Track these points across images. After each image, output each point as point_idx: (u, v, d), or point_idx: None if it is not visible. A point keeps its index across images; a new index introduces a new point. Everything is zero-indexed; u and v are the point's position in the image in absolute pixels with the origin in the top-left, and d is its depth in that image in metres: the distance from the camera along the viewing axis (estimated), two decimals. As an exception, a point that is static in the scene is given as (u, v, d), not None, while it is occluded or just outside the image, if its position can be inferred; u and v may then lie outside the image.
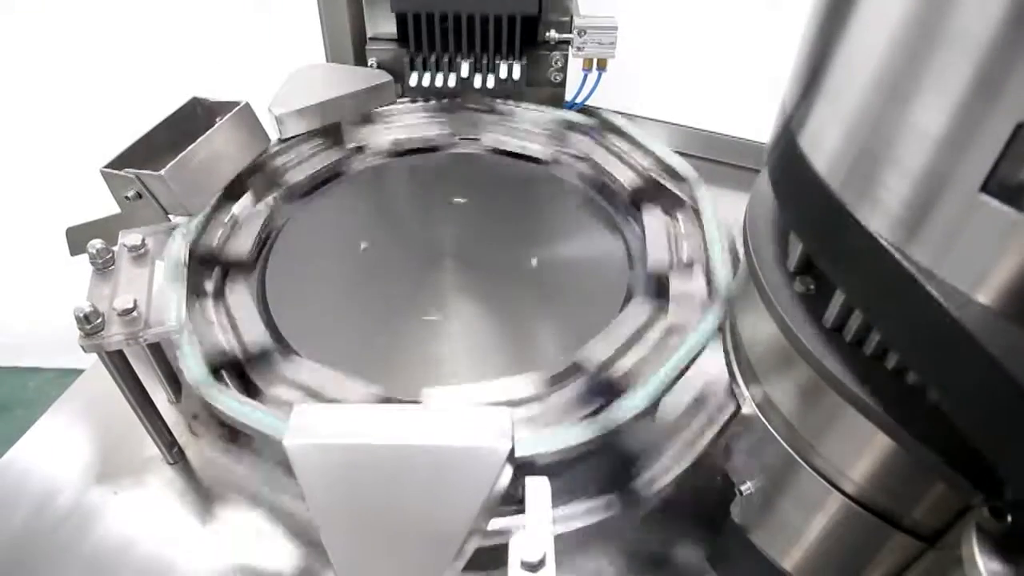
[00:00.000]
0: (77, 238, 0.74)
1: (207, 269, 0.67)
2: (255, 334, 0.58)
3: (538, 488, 0.46)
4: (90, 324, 0.56)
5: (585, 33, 0.93)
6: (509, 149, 0.89)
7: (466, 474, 0.43)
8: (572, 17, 0.95)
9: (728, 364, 0.53)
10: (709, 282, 0.70)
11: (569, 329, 0.65)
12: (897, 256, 0.32)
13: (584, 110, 0.97)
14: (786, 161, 0.41)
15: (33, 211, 1.39)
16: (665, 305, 0.65)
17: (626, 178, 0.83)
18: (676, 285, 0.68)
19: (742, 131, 1.10)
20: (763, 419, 0.47)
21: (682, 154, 0.80)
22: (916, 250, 0.32)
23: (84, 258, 0.62)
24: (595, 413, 0.58)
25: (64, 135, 1.35)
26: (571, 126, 0.89)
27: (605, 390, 0.61)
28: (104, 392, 0.68)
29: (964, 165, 0.28)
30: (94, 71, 1.36)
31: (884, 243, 0.33)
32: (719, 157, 1.11)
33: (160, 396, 0.72)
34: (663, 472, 0.53)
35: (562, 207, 0.85)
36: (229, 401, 0.57)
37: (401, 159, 0.92)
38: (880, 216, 0.33)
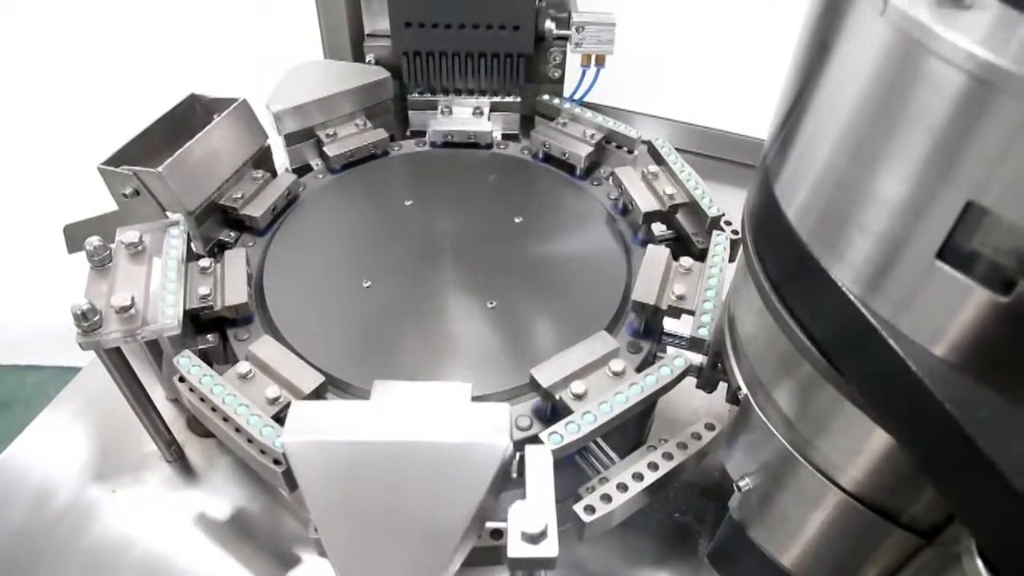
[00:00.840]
0: (75, 235, 0.74)
1: (206, 329, 0.67)
2: (303, 376, 0.57)
3: (539, 457, 0.45)
4: (88, 321, 0.56)
5: (583, 29, 0.93)
6: (551, 154, 0.88)
7: (464, 470, 0.43)
8: (570, 13, 0.95)
9: (727, 360, 0.53)
10: (700, 212, 0.72)
11: (565, 330, 0.64)
12: (859, 307, 0.34)
13: (587, 106, 0.97)
14: (762, 204, 0.43)
15: (31, 208, 1.39)
16: (643, 339, 0.65)
17: (579, 148, 0.85)
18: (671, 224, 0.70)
19: (740, 127, 1.10)
20: (761, 415, 0.47)
21: (680, 150, 0.80)
22: (878, 303, 0.34)
23: (82, 255, 0.62)
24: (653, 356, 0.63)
25: (62, 132, 1.35)
26: (611, 138, 0.88)
27: (659, 329, 0.64)
28: (102, 389, 0.68)
29: (921, 233, 0.30)
30: (92, 68, 1.35)
31: (848, 294, 0.35)
32: (717, 153, 1.11)
33: (158, 393, 0.72)
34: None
35: (530, 186, 0.86)
36: (184, 360, 0.58)
37: (441, 151, 0.92)
38: (845, 269, 0.35)
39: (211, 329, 0.67)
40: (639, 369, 0.59)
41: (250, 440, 0.53)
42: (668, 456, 0.54)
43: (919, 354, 0.32)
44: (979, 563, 0.33)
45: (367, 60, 0.99)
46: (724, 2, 1.12)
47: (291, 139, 0.87)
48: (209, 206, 0.73)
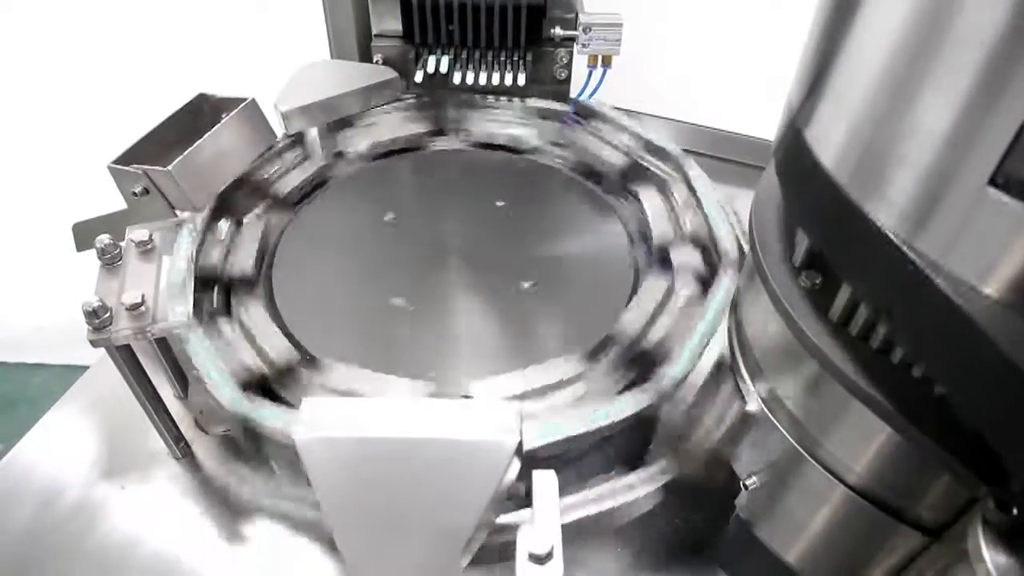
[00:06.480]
0: (84, 234, 0.74)
1: (208, 289, 0.67)
2: (279, 348, 0.58)
3: (545, 481, 0.46)
4: (98, 319, 0.57)
5: (590, 30, 0.93)
6: (492, 142, 0.89)
7: (474, 468, 0.43)
8: (577, 14, 0.95)
9: (733, 359, 0.53)
10: (716, 250, 0.73)
11: (582, 318, 0.65)
12: (905, 249, 0.32)
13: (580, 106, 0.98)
14: (793, 155, 0.41)
15: (40, 207, 1.39)
16: (676, 276, 0.66)
17: (615, 159, 0.86)
18: (683, 257, 0.72)
19: (747, 128, 1.10)
20: (768, 413, 0.47)
21: (688, 151, 0.80)
22: (924, 243, 0.32)
23: (89, 254, 0.63)
24: (632, 385, 0.62)
25: (71, 131, 1.36)
26: (545, 114, 0.89)
27: (639, 361, 0.64)
28: (110, 388, 0.69)
29: (971, 161, 0.29)
30: (101, 67, 1.36)
31: (892, 237, 0.33)
32: (725, 154, 1.11)
33: (167, 391, 0.72)
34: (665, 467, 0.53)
35: (556, 197, 0.86)
36: (273, 417, 0.58)
37: (384, 161, 0.93)
38: (887, 210, 0.33)
39: (219, 291, 0.70)
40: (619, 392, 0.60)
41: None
42: None
43: (969, 294, 0.30)
44: (987, 563, 0.33)
45: (375, 60, 1.00)
46: (730, 2, 1.12)
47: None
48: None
